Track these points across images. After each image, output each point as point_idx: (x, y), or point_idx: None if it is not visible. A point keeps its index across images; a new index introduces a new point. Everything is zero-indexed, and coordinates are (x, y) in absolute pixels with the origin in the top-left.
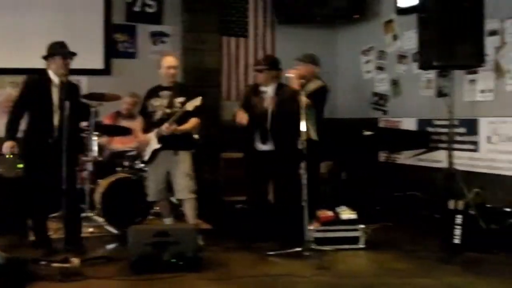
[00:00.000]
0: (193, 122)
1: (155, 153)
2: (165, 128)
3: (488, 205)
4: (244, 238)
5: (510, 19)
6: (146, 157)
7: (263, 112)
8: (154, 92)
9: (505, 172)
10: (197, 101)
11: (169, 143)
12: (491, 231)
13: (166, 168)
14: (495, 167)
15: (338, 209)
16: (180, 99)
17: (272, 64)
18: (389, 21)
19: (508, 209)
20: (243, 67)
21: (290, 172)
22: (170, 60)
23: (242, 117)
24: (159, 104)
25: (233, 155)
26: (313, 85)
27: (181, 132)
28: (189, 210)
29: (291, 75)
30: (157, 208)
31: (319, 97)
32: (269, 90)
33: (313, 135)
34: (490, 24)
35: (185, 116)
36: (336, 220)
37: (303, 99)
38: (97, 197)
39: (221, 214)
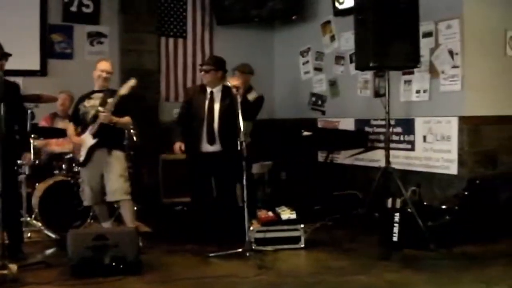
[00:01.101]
0: (127, 119)
1: (90, 152)
2: (103, 116)
3: (425, 203)
4: (184, 240)
5: (443, 22)
6: (82, 158)
7: (211, 113)
8: (86, 96)
9: (440, 170)
10: (131, 82)
11: (104, 140)
12: (428, 228)
13: (100, 170)
14: (431, 166)
15: (278, 209)
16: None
17: (218, 65)
18: (327, 22)
19: (444, 206)
20: (181, 68)
21: (234, 172)
22: (104, 64)
23: (178, 149)
24: (91, 104)
25: (172, 157)
26: (251, 96)
27: (117, 124)
28: (126, 212)
29: (235, 84)
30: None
31: (258, 107)
32: (215, 91)
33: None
34: (424, 26)
35: (120, 108)
36: (277, 221)
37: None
38: (35, 201)
39: (160, 217)
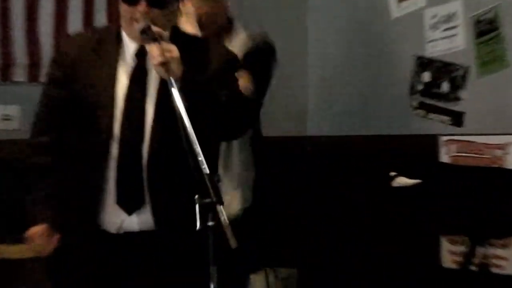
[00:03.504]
0: None
1: None
2: None
3: None
4: None
5: None
6: None
7: (137, 115)
8: None
9: None
10: None
11: None
12: None
13: None
14: None
15: None
16: None
17: None
18: None
19: None
20: None
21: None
22: None
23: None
24: None
25: (23, 252)
26: (238, 43)
27: None
28: None
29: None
30: None
31: (262, 73)
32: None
33: (248, 198)
34: None
35: None
36: None
37: (244, 80)
38: None
39: None
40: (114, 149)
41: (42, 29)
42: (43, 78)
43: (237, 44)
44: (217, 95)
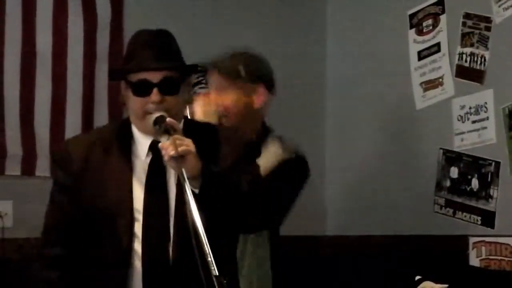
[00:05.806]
0: None
1: None
2: None
3: None
4: None
5: None
6: None
7: (157, 222)
8: None
9: None
10: None
11: None
12: None
13: None
14: None
15: None
16: None
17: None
18: None
19: None
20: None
21: None
22: None
23: None
24: None
25: None
26: (271, 153)
27: None
28: None
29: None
30: None
31: (294, 183)
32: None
33: None
34: None
35: None
36: None
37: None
38: None
39: None
40: (137, 258)
41: (38, 120)
42: (38, 171)
43: (270, 153)
44: (239, 186)
